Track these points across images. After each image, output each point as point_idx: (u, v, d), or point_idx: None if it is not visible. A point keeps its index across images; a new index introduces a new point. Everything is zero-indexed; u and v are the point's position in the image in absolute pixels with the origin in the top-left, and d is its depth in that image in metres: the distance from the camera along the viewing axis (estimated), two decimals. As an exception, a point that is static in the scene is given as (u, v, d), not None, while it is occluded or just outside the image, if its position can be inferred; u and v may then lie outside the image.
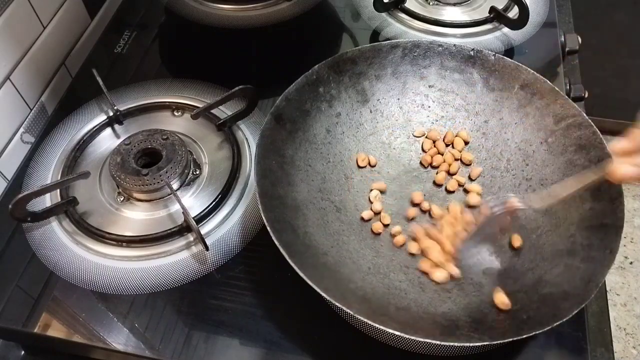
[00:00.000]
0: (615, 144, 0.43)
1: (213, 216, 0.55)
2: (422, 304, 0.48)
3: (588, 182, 0.46)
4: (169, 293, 0.51)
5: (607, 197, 0.48)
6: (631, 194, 1.44)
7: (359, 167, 0.58)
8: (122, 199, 0.57)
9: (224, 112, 0.63)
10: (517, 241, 0.52)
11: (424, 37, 0.72)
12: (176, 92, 0.67)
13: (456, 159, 0.58)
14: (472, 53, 0.59)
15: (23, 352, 0.54)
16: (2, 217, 0.55)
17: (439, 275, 0.50)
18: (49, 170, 0.60)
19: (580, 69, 0.74)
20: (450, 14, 0.75)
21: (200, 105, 0.63)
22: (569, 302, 0.42)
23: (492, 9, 0.73)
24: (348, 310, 0.41)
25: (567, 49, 0.71)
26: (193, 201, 0.57)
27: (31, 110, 0.67)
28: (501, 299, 0.46)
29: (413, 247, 0.52)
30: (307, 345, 0.48)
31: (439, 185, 0.57)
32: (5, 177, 0.63)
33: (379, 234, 0.54)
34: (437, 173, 0.58)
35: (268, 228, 0.45)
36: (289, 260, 0.43)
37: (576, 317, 0.42)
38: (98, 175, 0.59)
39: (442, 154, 0.59)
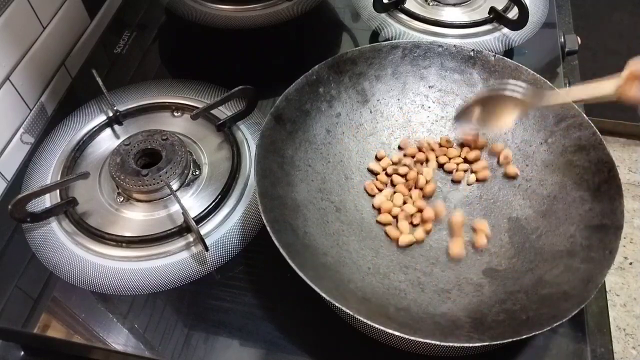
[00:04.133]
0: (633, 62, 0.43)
1: (213, 216, 0.55)
2: (421, 304, 0.48)
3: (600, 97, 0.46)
4: (168, 293, 0.51)
5: (606, 197, 0.48)
6: (631, 195, 1.44)
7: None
8: (121, 200, 0.57)
9: (224, 112, 0.63)
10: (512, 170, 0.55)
11: (424, 38, 0.72)
12: (176, 93, 0.66)
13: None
14: (472, 54, 0.59)
15: (22, 353, 0.53)
16: (2, 217, 0.55)
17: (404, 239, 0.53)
18: (49, 171, 0.60)
19: (579, 69, 0.74)
20: (450, 14, 0.75)
21: (200, 105, 0.63)
22: (569, 303, 0.42)
23: (492, 10, 0.73)
24: (347, 311, 0.41)
25: (566, 49, 0.71)
26: (193, 202, 0.57)
27: (31, 110, 0.67)
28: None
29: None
30: (307, 345, 0.48)
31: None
32: (4, 177, 0.63)
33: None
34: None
35: (268, 228, 0.45)
36: (289, 261, 0.43)
37: (576, 318, 0.42)
38: (98, 175, 0.59)
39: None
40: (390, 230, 0.53)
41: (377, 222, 0.54)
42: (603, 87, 0.45)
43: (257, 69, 0.71)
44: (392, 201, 0.55)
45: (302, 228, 0.50)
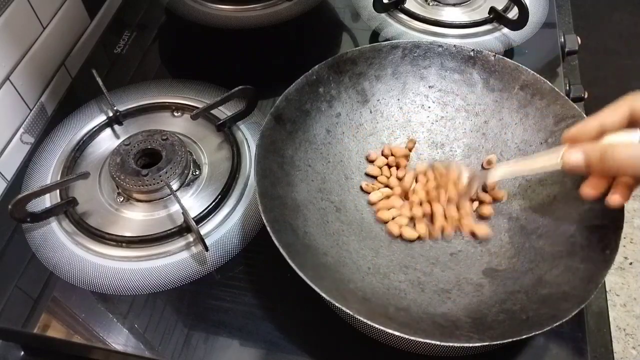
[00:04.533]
0: (568, 131, 0.44)
1: (213, 216, 0.55)
2: (421, 304, 0.48)
3: (545, 168, 0.47)
4: (168, 293, 0.51)
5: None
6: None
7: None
8: (121, 200, 0.57)
9: (224, 112, 0.63)
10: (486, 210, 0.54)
11: (424, 38, 0.72)
12: (176, 93, 0.67)
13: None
14: (472, 54, 0.59)
15: (22, 353, 0.54)
16: (2, 217, 0.55)
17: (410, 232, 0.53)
18: (49, 171, 0.60)
19: (579, 69, 0.74)
20: (450, 14, 0.75)
21: (200, 105, 0.63)
22: (569, 303, 0.42)
23: (492, 10, 0.73)
24: (347, 311, 0.41)
25: (566, 49, 0.71)
26: (193, 201, 0.57)
27: (31, 110, 0.67)
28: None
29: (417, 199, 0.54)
30: (307, 345, 0.48)
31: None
32: (4, 177, 0.63)
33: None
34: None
35: (268, 228, 0.45)
36: (289, 261, 0.43)
37: (576, 318, 0.42)
38: (98, 175, 0.59)
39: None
40: (392, 226, 0.53)
41: (377, 218, 0.54)
42: (547, 159, 0.46)
43: (257, 69, 0.71)
44: (388, 199, 0.55)
45: (302, 228, 0.50)
